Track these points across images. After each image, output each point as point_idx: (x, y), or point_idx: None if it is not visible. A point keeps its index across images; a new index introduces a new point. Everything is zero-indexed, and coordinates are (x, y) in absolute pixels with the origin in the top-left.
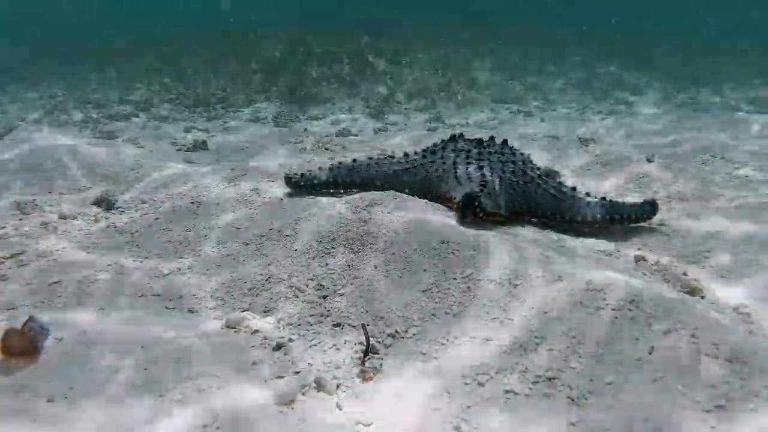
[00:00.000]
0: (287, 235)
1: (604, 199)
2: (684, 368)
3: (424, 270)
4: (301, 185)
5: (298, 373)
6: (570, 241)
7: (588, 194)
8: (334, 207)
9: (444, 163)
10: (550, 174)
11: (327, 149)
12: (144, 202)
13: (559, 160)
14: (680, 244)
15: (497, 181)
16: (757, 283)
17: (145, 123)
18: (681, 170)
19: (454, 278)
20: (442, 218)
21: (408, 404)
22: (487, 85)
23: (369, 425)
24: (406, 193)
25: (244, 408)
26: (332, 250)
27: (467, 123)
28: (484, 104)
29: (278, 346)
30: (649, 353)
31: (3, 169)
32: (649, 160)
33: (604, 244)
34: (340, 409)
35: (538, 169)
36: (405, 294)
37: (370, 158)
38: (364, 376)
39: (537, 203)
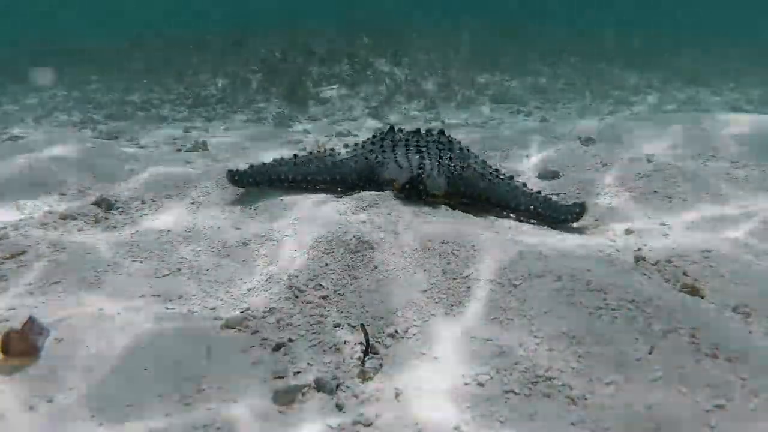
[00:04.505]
0: (287, 235)
1: (539, 192)
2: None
3: (424, 270)
4: (244, 182)
5: (298, 373)
6: (570, 240)
7: (524, 185)
8: (333, 207)
9: (383, 150)
10: (550, 174)
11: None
12: (144, 203)
13: (561, 158)
14: (680, 243)
15: (436, 164)
16: None
17: (145, 123)
18: (680, 170)
19: (454, 278)
20: (440, 218)
21: (408, 404)
22: (486, 85)
23: (369, 425)
24: (349, 182)
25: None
26: (331, 251)
27: (466, 122)
28: (483, 104)
29: (278, 346)
30: (649, 353)
31: (3, 171)
32: (649, 161)
33: (604, 244)
34: (340, 409)
35: (477, 156)
36: (405, 294)
37: (311, 153)
38: (364, 376)
39: (474, 186)
